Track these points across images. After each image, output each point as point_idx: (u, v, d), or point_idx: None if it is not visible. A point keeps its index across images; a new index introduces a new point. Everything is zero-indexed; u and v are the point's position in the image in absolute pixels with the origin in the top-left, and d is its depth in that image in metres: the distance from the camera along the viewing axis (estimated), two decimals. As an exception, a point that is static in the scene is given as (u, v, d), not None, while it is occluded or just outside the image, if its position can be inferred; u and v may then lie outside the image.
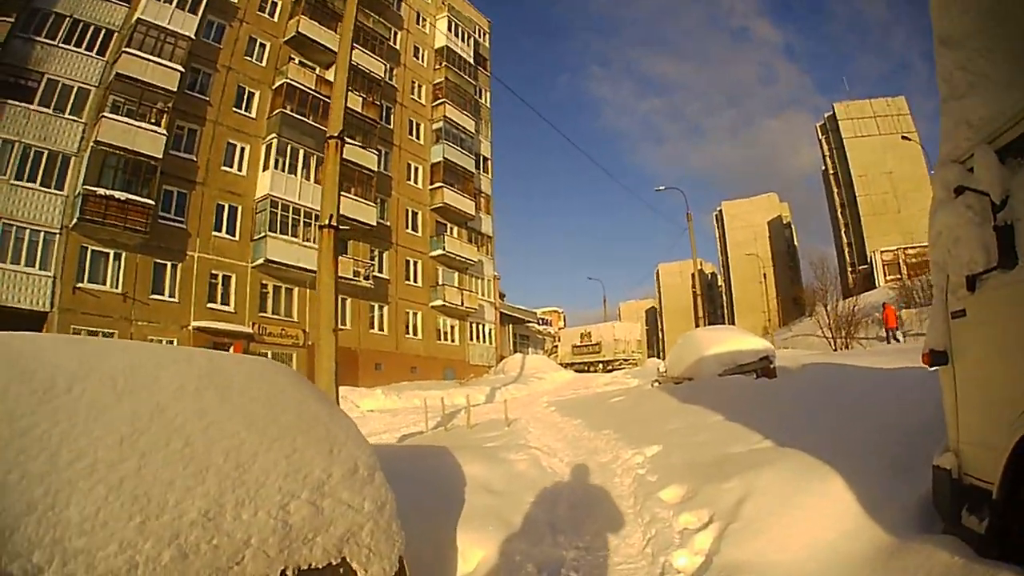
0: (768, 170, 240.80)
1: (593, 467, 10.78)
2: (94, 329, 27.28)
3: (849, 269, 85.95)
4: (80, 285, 28.03)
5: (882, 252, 71.80)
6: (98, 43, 30.37)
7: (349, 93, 38.36)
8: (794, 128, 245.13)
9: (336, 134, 15.01)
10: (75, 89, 29.32)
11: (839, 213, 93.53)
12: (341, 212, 34.77)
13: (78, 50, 29.66)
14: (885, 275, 67.86)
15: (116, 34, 30.83)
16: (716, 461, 8.27)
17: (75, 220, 27.81)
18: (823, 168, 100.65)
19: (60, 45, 29.02)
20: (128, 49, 30.19)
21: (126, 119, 29.52)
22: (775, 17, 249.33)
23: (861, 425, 7.56)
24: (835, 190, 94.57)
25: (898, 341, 32.47)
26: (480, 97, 56.20)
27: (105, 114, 29.05)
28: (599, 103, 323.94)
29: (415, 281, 45.64)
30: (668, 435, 11.22)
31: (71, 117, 28.98)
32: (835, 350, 33.45)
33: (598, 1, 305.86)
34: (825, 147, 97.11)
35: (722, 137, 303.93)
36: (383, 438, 18.81)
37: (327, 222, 14.44)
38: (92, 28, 30.24)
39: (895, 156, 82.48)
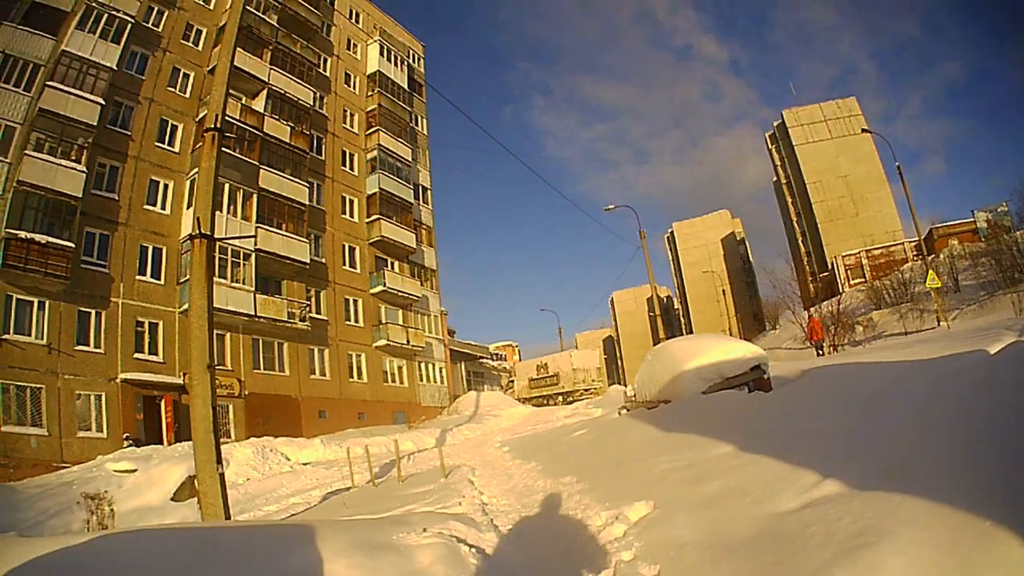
0: (718, 188, 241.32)
1: (549, 548, 8.26)
2: (22, 384, 26.28)
3: (810, 278, 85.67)
4: (6, 336, 26.57)
5: (844, 257, 70.81)
6: (25, 78, 29.32)
7: (276, 122, 38.72)
8: (742, 143, 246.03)
9: (215, 126, 13.60)
10: (2, 128, 28.29)
11: (795, 222, 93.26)
12: (271, 250, 35.21)
13: (5, 87, 28.70)
14: (849, 280, 66.96)
15: (42, 68, 29.81)
16: (765, 534, 5.42)
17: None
18: (774, 179, 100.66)
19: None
20: (51, 83, 29.38)
21: (47, 156, 28.58)
22: (719, 32, 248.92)
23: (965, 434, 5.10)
24: (788, 199, 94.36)
25: (821, 353, 32.17)
26: (416, 124, 55.32)
27: (28, 152, 28.12)
28: (543, 134, 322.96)
29: (356, 321, 44.10)
30: (658, 482, 8.72)
31: None
32: (820, 354, 32.23)
33: (536, 28, 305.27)
34: (776, 157, 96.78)
35: (669, 159, 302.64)
36: (312, 495, 18.31)
37: (198, 231, 12.73)
38: (20, 63, 29.27)
39: (849, 159, 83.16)
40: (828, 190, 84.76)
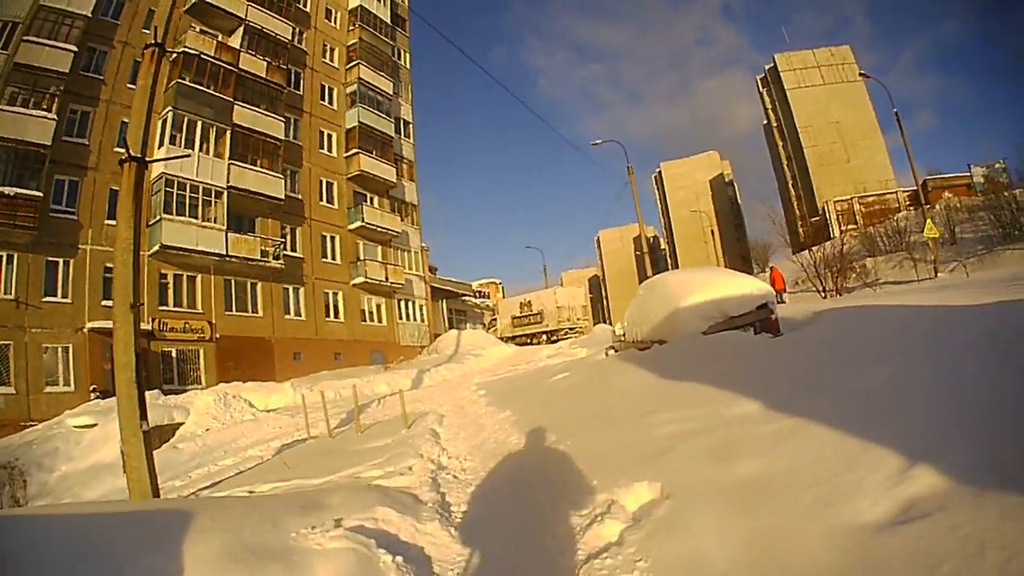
0: (707, 131, 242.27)
1: (507, 558, 6.15)
2: None
3: (799, 222, 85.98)
4: None
5: (836, 202, 71.92)
6: (3, 38, 28.53)
7: (252, 58, 37.66)
8: (732, 87, 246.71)
9: (155, 42, 12.58)
10: None
11: (785, 166, 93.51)
12: (244, 187, 33.91)
13: None
14: (840, 225, 67.37)
15: (20, 25, 28.94)
16: (858, 571, 3.64)
17: None
18: (764, 122, 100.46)
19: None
20: (27, 37, 28.79)
21: (17, 108, 27.92)
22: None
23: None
24: (779, 143, 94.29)
25: (783, 302, 30.57)
26: (399, 59, 53.74)
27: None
28: (535, 73, 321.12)
29: (333, 258, 43.00)
30: (664, 453, 6.87)
31: None
32: (824, 298, 31.40)
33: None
34: (767, 100, 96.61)
35: (660, 101, 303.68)
36: (271, 445, 17.47)
37: (128, 153, 11.53)
38: (-1, 24, 28.46)
39: (841, 105, 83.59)
40: (819, 135, 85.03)
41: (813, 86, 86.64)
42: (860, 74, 63.50)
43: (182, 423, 21.29)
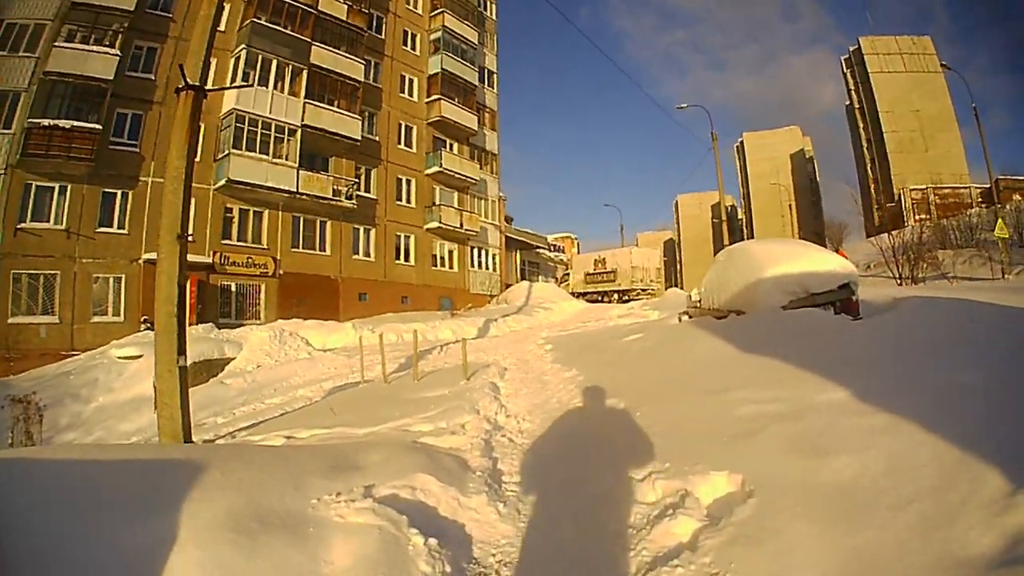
0: (790, 106, 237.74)
1: (557, 551, 5.05)
2: (35, 272, 25.25)
3: (875, 206, 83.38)
4: (22, 226, 25.21)
5: (912, 190, 69.40)
6: None
7: (332, 0, 34.51)
8: (816, 66, 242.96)
9: None
10: (30, 27, 26.49)
11: (865, 149, 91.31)
12: (320, 126, 29.89)
13: None
14: (915, 213, 65.14)
15: None
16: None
17: (18, 156, 25.05)
18: (847, 103, 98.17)
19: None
20: None
21: (77, 45, 26.73)
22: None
23: None
24: (860, 125, 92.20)
25: None
26: (485, 9, 50.97)
27: (56, 44, 26.34)
28: (621, 36, 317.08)
29: (408, 201, 40.71)
30: (745, 437, 5.86)
31: (24, 54, 26.18)
32: (899, 284, 28.75)
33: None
34: (850, 81, 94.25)
35: (744, 71, 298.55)
36: (324, 386, 16.08)
37: (185, 81, 10.59)
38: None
39: (921, 94, 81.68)
40: (900, 122, 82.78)
41: (895, 72, 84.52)
42: (942, 65, 60.66)
43: (233, 358, 19.87)
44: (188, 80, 10.54)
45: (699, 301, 16.47)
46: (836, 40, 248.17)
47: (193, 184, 26.70)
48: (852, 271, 12.47)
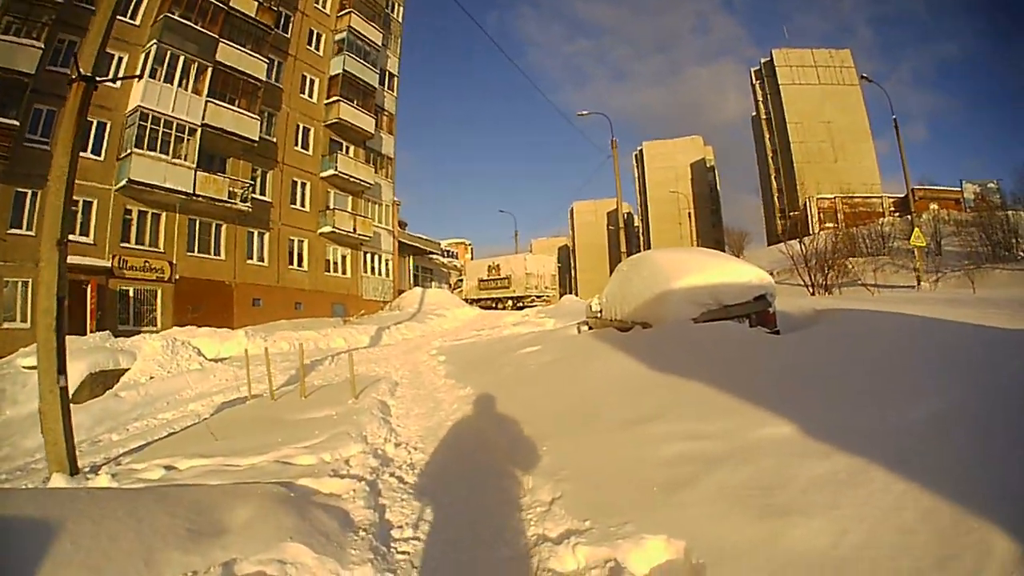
0: (692, 116, 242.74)
1: None
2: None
3: (778, 215, 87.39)
4: None
5: (818, 199, 72.61)
6: None
7: (241, -4, 36.21)
8: (723, 78, 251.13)
9: None
10: None
11: (770, 159, 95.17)
12: (220, 125, 33.87)
13: None
14: (821, 222, 67.47)
15: None
16: None
17: None
18: (753, 114, 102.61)
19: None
20: None
21: (7, 37, 27.06)
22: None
23: None
24: (766, 136, 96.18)
25: None
26: (392, 11, 52.87)
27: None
28: (525, 44, 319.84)
29: (302, 205, 42.30)
30: (678, 487, 5.23)
31: None
32: (813, 294, 30.63)
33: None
34: (759, 92, 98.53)
35: (648, 82, 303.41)
36: (215, 399, 16.34)
37: (77, 72, 10.39)
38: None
39: (835, 106, 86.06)
40: (809, 133, 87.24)
41: (808, 84, 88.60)
42: (862, 77, 63.55)
43: (128, 369, 20.01)
44: (81, 70, 10.37)
45: (599, 311, 16.61)
46: (748, 53, 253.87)
47: (95, 184, 28.85)
48: (768, 282, 12.46)
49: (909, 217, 39.98)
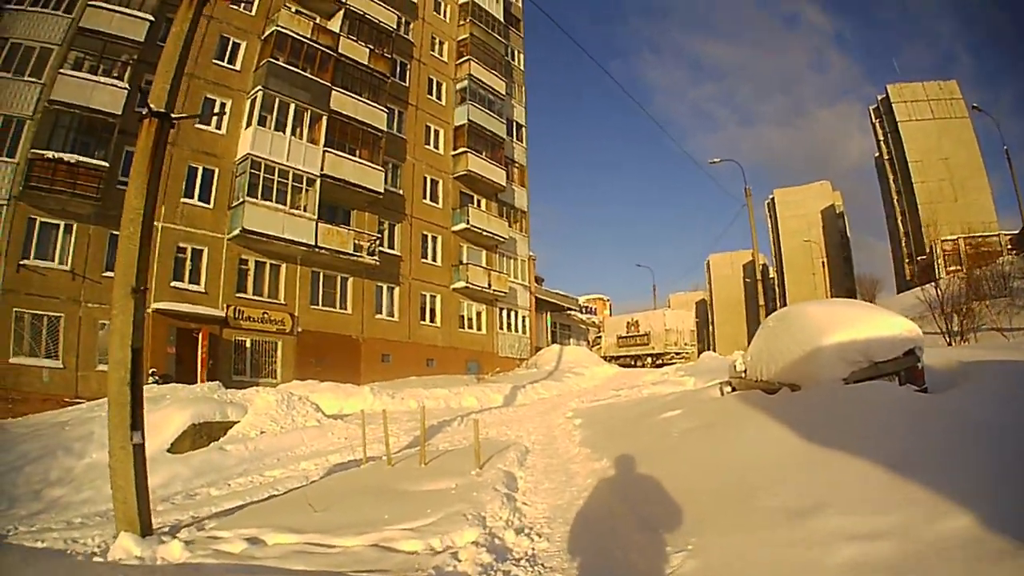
0: (819, 160, 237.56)
1: None
2: (38, 313, 23.79)
3: (906, 260, 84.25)
4: (25, 262, 23.81)
5: (943, 241, 66.40)
6: (66, 1, 26.32)
7: (353, 43, 32.59)
8: (844, 118, 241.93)
9: None
10: (36, 50, 25.45)
11: (895, 201, 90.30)
12: (340, 176, 28.36)
13: (43, 10, 25.93)
14: (946, 265, 62.27)
15: None
16: None
17: (21, 188, 23.87)
18: (876, 155, 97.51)
19: (25, 8, 25.73)
20: (93, 2, 26.12)
21: (83, 74, 25.47)
22: (824, 2, 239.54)
23: None
24: (890, 177, 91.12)
25: None
26: (512, 59, 49.72)
27: (61, 71, 25.18)
28: (651, 90, 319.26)
29: (433, 259, 38.89)
30: None
31: (30, 79, 25.10)
32: (949, 344, 25.84)
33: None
34: (879, 131, 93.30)
35: (773, 124, 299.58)
36: (330, 459, 14.57)
37: (149, 108, 9.30)
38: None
39: (950, 141, 79.91)
40: (929, 171, 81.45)
41: (923, 120, 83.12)
42: (973, 107, 59.32)
43: (236, 422, 17.85)
44: (152, 106, 9.35)
45: (744, 371, 14.33)
46: (864, 91, 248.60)
47: (205, 232, 25.44)
48: (918, 335, 10.62)
49: None
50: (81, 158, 24.33)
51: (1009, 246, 59.65)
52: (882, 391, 8.83)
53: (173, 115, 9.63)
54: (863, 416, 7.81)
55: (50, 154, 23.88)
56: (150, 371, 23.92)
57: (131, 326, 8.41)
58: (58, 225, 24.60)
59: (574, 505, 8.66)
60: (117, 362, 8.31)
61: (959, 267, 56.27)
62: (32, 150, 23.98)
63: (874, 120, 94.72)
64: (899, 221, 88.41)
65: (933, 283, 32.08)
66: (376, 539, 7.50)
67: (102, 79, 25.44)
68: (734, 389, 14.74)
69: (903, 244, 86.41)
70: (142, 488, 8.21)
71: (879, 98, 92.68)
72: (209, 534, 8.24)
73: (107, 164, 24.97)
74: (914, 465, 5.83)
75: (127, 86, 25.87)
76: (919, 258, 74.64)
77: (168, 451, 14.89)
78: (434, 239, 39.19)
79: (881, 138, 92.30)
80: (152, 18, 26.75)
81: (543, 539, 7.40)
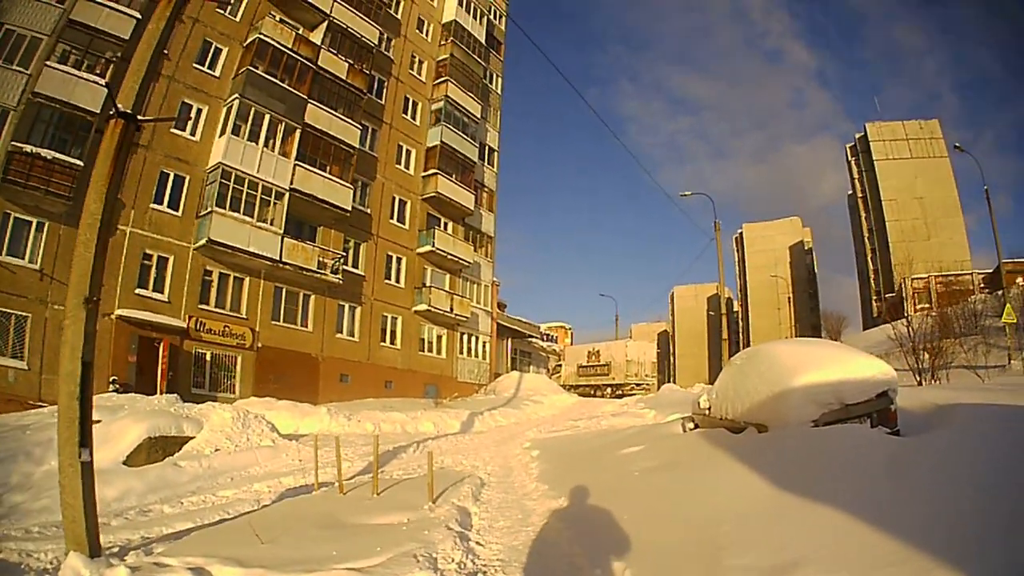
0: (790, 195, 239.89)
1: None
2: (5, 311, 23.41)
3: (874, 297, 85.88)
4: None
5: (913, 279, 68.08)
6: None
7: (334, 57, 33.01)
8: (819, 154, 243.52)
9: None
10: (27, 39, 24.95)
11: (866, 239, 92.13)
12: (309, 191, 28.55)
13: None
14: (915, 304, 62.44)
15: None
16: None
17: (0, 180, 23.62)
18: (849, 192, 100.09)
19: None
20: None
21: (67, 68, 25.31)
22: (809, 39, 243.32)
23: None
24: (862, 214, 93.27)
25: None
26: (491, 83, 50.14)
27: (48, 63, 24.92)
28: (626, 120, 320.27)
29: (397, 280, 39.19)
30: None
31: (18, 68, 24.61)
32: (919, 383, 25.80)
33: (632, 14, 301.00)
34: (854, 169, 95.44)
35: (747, 159, 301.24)
36: (283, 481, 14.61)
37: (115, 109, 8.73)
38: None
39: (926, 181, 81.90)
40: (904, 210, 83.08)
41: (901, 159, 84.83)
42: (955, 146, 59.92)
43: (192, 437, 17.66)
44: (119, 107, 8.90)
45: (708, 408, 14.03)
46: (842, 128, 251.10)
47: (172, 240, 25.92)
48: (893, 376, 10.55)
49: (999, 293, 38.53)
50: (58, 155, 24.29)
51: (981, 284, 61.90)
52: (854, 435, 8.81)
53: (140, 117, 9.25)
54: (837, 462, 7.71)
55: (29, 148, 23.85)
56: (111, 379, 24.08)
57: (82, 338, 8.25)
58: (31, 222, 24.47)
59: (530, 548, 8.40)
60: (67, 375, 8.11)
61: (928, 305, 57.43)
62: (13, 143, 23.78)
63: (850, 158, 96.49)
64: (869, 258, 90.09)
65: (904, 319, 32.33)
66: (318, 583, 7.44)
67: (85, 75, 25.37)
68: (697, 426, 14.74)
69: (872, 281, 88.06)
70: (90, 507, 8.01)
71: (856, 136, 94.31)
72: (156, 559, 8.05)
73: (82, 163, 24.43)
74: (893, 517, 5.64)
75: (106, 85, 24.64)
76: (887, 295, 76.10)
77: (124, 463, 14.82)
78: (399, 260, 39.43)
79: (856, 176, 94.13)
80: (139, 16, 26.51)
81: (498, 584, 7.29)
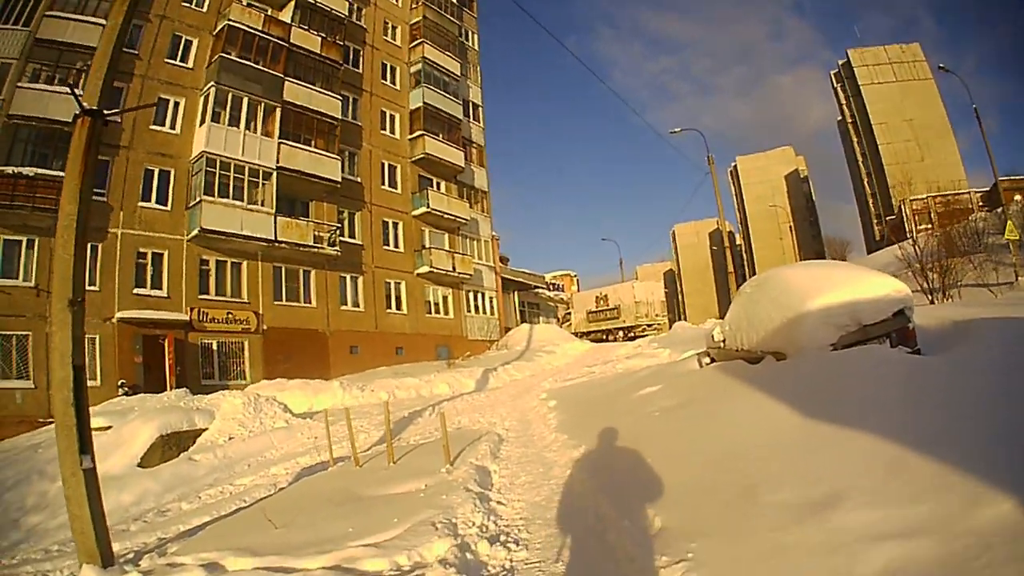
0: (781, 126, 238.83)
1: None
2: (6, 333, 23.38)
3: (874, 221, 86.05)
4: None
5: (912, 201, 67.72)
6: (25, 14, 25.98)
7: (305, 33, 32.53)
8: (804, 83, 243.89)
9: None
10: None
11: (860, 164, 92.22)
12: (296, 167, 28.11)
13: (2, 27, 25.54)
14: (916, 225, 62.05)
15: (43, 1, 26.33)
16: None
17: None
18: (839, 118, 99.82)
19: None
20: (50, 12, 26.07)
21: (40, 85, 25.25)
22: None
23: None
24: (854, 139, 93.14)
25: None
26: (467, 39, 49.68)
27: (19, 84, 24.94)
28: (608, 65, 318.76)
29: (396, 246, 39.04)
30: None
31: None
32: (931, 302, 25.56)
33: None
34: (841, 96, 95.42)
35: (733, 94, 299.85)
36: (300, 461, 14.59)
37: (81, 107, 8.91)
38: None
39: (914, 103, 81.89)
40: (894, 133, 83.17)
41: (886, 82, 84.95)
42: (939, 67, 59.46)
43: (205, 429, 17.79)
44: (84, 104, 9.05)
45: (723, 340, 13.66)
46: (824, 56, 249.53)
47: (164, 235, 25.75)
48: (907, 294, 10.23)
49: (999, 211, 38.31)
50: (39, 170, 24.12)
51: (980, 203, 61.50)
52: (876, 356, 8.43)
53: (106, 112, 9.37)
54: (861, 385, 7.26)
55: (10, 170, 23.78)
56: (120, 382, 24.17)
57: (71, 342, 8.02)
58: (21, 241, 24.27)
59: (554, 503, 8.07)
60: (60, 381, 7.93)
61: (929, 225, 57.26)
62: (-4, 167, 23.78)
63: (835, 84, 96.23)
64: (865, 183, 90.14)
65: (910, 239, 32.03)
66: (338, 559, 6.82)
67: (59, 89, 24.87)
68: (713, 360, 14.51)
69: (870, 205, 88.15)
70: (98, 516, 7.88)
71: (840, 63, 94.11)
72: (169, 560, 7.89)
73: (63, 174, 24.08)
74: (929, 440, 5.13)
75: (81, 92, 24.93)
76: (888, 218, 75.62)
77: (139, 466, 14.94)
78: (395, 225, 39.29)
79: (843, 102, 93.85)
80: (104, 22, 25.27)
81: (521, 547, 6.71)
